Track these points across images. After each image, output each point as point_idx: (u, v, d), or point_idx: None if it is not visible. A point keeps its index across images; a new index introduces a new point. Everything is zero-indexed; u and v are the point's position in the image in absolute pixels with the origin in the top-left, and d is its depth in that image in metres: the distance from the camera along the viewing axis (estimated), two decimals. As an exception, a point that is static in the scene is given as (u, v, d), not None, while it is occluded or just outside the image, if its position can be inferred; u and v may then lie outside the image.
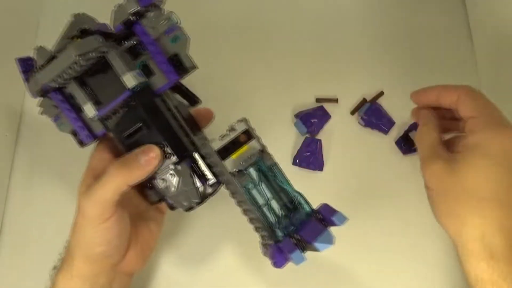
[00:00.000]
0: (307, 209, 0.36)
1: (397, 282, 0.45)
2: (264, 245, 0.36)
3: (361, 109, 0.51)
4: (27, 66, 0.37)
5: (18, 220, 0.51)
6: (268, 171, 0.36)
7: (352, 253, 0.46)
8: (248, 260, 0.47)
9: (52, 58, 0.34)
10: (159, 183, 0.36)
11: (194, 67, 0.36)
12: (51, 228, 0.50)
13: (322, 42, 0.55)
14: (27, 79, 0.36)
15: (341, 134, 0.51)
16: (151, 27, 0.35)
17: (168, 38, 0.35)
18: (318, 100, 0.52)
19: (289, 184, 0.37)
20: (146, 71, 0.36)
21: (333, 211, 0.35)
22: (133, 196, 0.39)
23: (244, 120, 0.36)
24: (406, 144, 0.49)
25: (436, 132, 0.36)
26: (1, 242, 0.51)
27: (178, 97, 0.40)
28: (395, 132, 0.51)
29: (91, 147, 0.39)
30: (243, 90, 0.54)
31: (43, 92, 0.37)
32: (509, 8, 0.46)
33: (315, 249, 0.33)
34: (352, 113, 0.52)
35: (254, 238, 0.36)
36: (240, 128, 0.36)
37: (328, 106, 0.51)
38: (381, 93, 0.52)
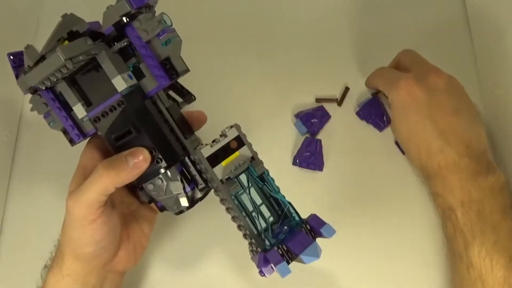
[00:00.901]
0: (296, 219, 0.36)
1: (395, 282, 0.45)
2: (252, 252, 0.36)
3: (360, 102, 0.51)
4: (18, 62, 0.36)
5: (18, 220, 0.51)
6: (259, 179, 0.36)
7: (351, 253, 0.46)
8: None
9: (40, 59, 0.33)
10: (148, 187, 0.36)
11: (186, 70, 0.35)
12: (51, 228, 0.50)
13: (322, 42, 0.55)
14: (17, 76, 0.36)
15: (341, 134, 0.51)
16: (142, 30, 0.34)
17: (160, 41, 0.34)
18: (318, 100, 0.52)
19: (279, 192, 0.36)
20: (137, 73, 0.35)
21: (321, 223, 0.35)
22: (125, 195, 0.39)
23: (236, 126, 0.35)
24: (406, 144, 0.49)
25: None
26: (1, 242, 0.51)
27: (172, 94, 0.40)
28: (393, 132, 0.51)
29: (84, 145, 0.39)
30: (243, 90, 0.54)
31: (34, 90, 0.36)
32: (509, 7, 0.46)
33: (301, 261, 0.33)
34: (339, 104, 0.52)
35: (244, 242, 0.36)
36: (232, 134, 0.35)
37: (328, 106, 0.51)
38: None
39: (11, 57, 0.36)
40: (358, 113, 0.51)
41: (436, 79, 0.42)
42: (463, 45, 0.53)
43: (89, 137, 0.39)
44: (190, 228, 0.49)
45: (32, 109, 0.38)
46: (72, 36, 0.33)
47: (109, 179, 0.33)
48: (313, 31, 0.56)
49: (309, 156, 0.49)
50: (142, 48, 0.34)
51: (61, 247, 0.37)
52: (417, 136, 0.42)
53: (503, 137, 0.48)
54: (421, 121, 0.41)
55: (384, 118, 0.50)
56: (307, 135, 0.50)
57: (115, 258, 0.38)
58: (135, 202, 0.40)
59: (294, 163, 0.49)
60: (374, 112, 0.50)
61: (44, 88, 0.34)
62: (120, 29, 0.34)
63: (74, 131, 0.37)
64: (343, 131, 0.51)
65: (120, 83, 0.34)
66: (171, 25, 0.35)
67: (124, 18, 0.34)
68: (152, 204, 0.41)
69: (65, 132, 0.38)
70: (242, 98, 0.53)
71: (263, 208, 0.36)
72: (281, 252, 0.33)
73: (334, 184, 0.49)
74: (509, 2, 0.46)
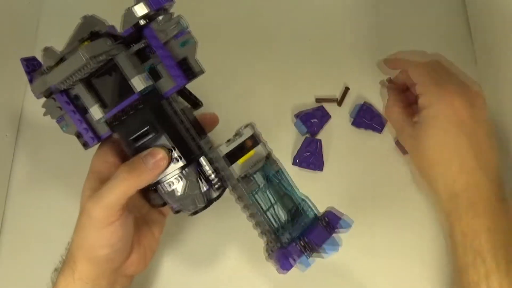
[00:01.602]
0: (313, 214, 0.36)
1: (396, 281, 0.45)
2: (269, 250, 0.36)
3: (352, 111, 0.51)
4: (31, 66, 0.36)
5: (18, 220, 0.52)
6: (274, 177, 0.36)
7: (352, 253, 0.46)
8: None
9: (61, 60, 0.34)
10: (165, 187, 0.36)
11: (202, 71, 0.36)
12: (51, 228, 0.50)
13: (322, 42, 0.55)
14: (31, 80, 0.36)
15: (341, 134, 0.51)
16: (160, 31, 0.34)
17: (178, 42, 0.35)
18: (318, 100, 0.52)
19: (295, 189, 0.37)
20: (154, 74, 0.36)
21: (339, 216, 0.35)
22: (135, 198, 0.39)
23: (251, 125, 0.36)
24: (406, 144, 0.49)
25: (399, 107, 0.45)
26: (1, 242, 0.51)
27: (181, 100, 0.40)
28: (393, 132, 0.50)
29: (93, 148, 0.39)
30: (243, 90, 0.54)
31: (48, 93, 0.36)
32: (509, 7, 0.46)
33: (322, 254, 0.34)
34: (339, 104, 0.52)
35: (257, 242, 0.36)
36: (247, 133, 0.36)
37: (328, 106, 0.51)
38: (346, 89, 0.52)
39: (25, 62, 0.36)
40: (353, 123, 0.51)
41: (481, 103, 0.41)
42: (463, 45, 0.53)
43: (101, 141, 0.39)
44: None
45: (45, 114, 0.38)
46: (94, 36, 0.33)
47: (131, 182, 0.34)
48: (313, 31, 0.56)
49: (309, 156, 0.49)
50: (160, 49, 0.35)
51: (73, 250, 0.37)
52: (452, 151, 0.39)
53: (503, 137, 0.48)
54: (459, 137, 0.39)
55: (382, 120, 0.50)
56: (307, 135, 0.50)
57: (126, 261, 0.38)
58: (146, 206, 0.40)
59: (294, 163, 0.49)
60: (368, 117, 0.50)
61: (62, 89, 0.34)
62: (139, 30, 0.35)
63: (88, 133, 0.37)
64: (343, 131, 0.51)
65: (139, 84, 0.34)
66: (188, 27, 0.35)
67: (142, 20, 0.34)
68: (162, 208, 0.42)
69: (79, 136, 0.38)
70: (242, 98, 0.53)
71: (279, 206, 0.36)
72: (299, 247, 0.34)
73: (334, 184, 0.49)
74: (509, 2, 0.45)
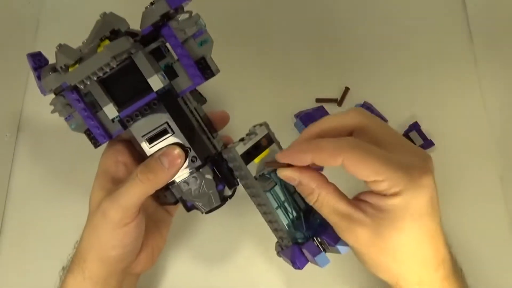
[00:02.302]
0: None
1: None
2: (282, 246, 0.36)
3: None
4: (37, 62, 0.36)
5: (18, 220, 0.51)
6: None
7: (351, 252, 0.46)
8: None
9: (80, 58, 0.33)
10: (182, 186, 0.36)
11: (218, 70, 0.36)
12: (51, 228, 0.50)
13: (322, 42, 0.55)
14: (39, 76, 0.35)
15: (341, 134, 0.51)
16: (180, 30, 0.34)
17: (196, 41, 0.35)
18: (318, 100, 0.52)
19: None
20: (170, 72, 0.36)
21: None
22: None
23: (265, 124, 0.36)
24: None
25: (335, 198, 0.32)
26: (1, 242, 0.51)
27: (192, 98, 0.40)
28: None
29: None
30: (243, 90, 0.54)
31: (58, 90, 0.36)
32: (509, 7, 0.46)
33: (337, 252, 0.34)
34: (339, 104, 0.52)
35: (264, 237, 0.36)
36: (261, 132, 0.36)
37: (328, 106, 0.51)
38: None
39: (31, 58, 0.35)
40: None
41: (432, 166, 0.31)
42: (463, 45, 0.53)
43: (109, 141, 0.38)
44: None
45: (53, 111, 0.37)
46: (114, 34, 0.33)
47: (149, 184, 0.34)
48: (313, 31, 0.56)
49: (309, 156, 0.49)
50: (178, 48, 0.34)
51: (83, 249, 0.36)
52: (427, 247, 0.31)
53: (503, 137, 0.48)
54: (434, 229, 0.31)
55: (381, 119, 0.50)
56: (307, 135, 0.50)
57: (135, 260, 0.38)
58: (153, 204, 0.40)
59: (294, 163, 0.49)
60: None
61: (82, 86, 0.33)
62: (157, 29, 0.34)
63: (99, 131, 0.36)
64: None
65: (156, 83, 0.34)
66: (205, 26, 0.35)
67: (161, 18, 0.34)
68: (168, 207, 0.41)
69: (89, 134, 0.37)
70: (242, 98, 0.53)
71: (293, 204, 0.36)
72: (316, 244, 0.34)
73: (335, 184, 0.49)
74: (509, 2, 0.46)
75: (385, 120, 0.50)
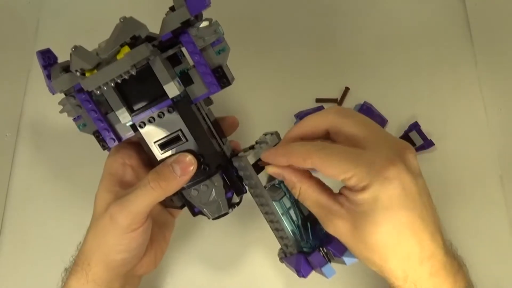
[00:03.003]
0: None
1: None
2: (286, 253, 0.36)
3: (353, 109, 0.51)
4: (47, 60, 0.35)
5: (18, 220, 0.51)
6: None
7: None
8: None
9: (98, 64, 0.32)
10: (192, 192, 0.36)
11: (233, 79, 0.36)
12: (51, 228, 0.50)
13: (323, 42, 0.55)
14: (49, 75, 0.35)
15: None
16: (199, 37, 0.34)
17: (214, 50, 0.35)
18: (318, 100, 0.52)
19: None
20: (185, 79, 0.35)
21: None
22: None
23: (276, 134, 0.36)
24: (406, 144, 0.49)
25: (317, 191, 0.33)
26: (1, 242, 0.51)
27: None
28: (393, 132, 0.50)
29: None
30: (243, 90, 0.54)
31: (69, 91, 0.35)
32: (509, 8, 0.46)
33: (342, 263, 0.34)
34: (339, 104, 0.52)
35: (269, 242, 0.36)
36: (273, 141, 0.36)
37: (328, 106, 0.51)
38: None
39: (41, 56, 0.35)
40: None
41: (413, 157, 0.32)
42: (463, 45, 0.53)
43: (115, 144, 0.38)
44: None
45: (62, 111, 0.37)
46: (135, 40, 0.33)
47: (161, 190, 0.33)
48: (313, 31, 0.56)
49: (309, 156, 0.49)
50: (196, 55, 0.34)
51: (87, 252, 0.36)
52: (407, 241, 0.31)
53: (503, 137, 0.48)
54: (413, 222, 0.31)
55: (382, 120, 0.50)
56: (307, 135, 0.50)
57: (139, 263, 0.38)
58: (157, 207, 0.40)
59: (294, 163, 0.49)
60: (369, 117, 0.50)
61: (98, 92, 0.33)
62: (175, 36, 0.34)
63: (109, 134, 0.36)
64: (343, 131, 0.51)
65: (173, 89, 0.33)
66: (223, 34, 0.35)
67: (181, 25, 0.33)
68: (171, 210, 0.41)
69: (97, 136, 0.37)
70: (242, 98, 0.53)
71: (300, 214, 0.36)
72: (323, 254, 0.34)
73: (335, 184, 0.49)
74: (509, 2, 0.46)
75: (385, 120, 0.50)
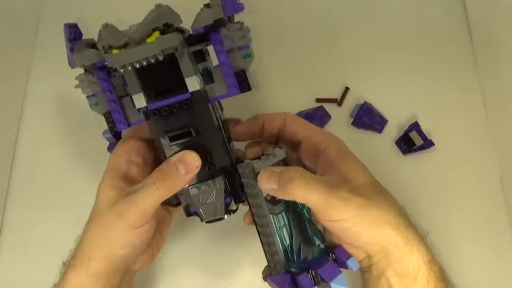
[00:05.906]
0: (323, 247, 0.36)
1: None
2: (271, 271, 0.36)
3: (352, 111, 0.51)
4: (73, 34, 0.35)
5: (18, 220, 0.52)
6: (297, 203, 0.36)
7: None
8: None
9: (126, 44, 0.32)
10: (191, 191, 0.35)
11: (254, 86, 0.36)
12: (51, 228, 0.50)
13: (323, 42, 0.55)
14: (72, 49, 0.35)
15: (342, 134, 0.51)
16: (228, 38, 0.34)
17: (241, 53, 0.35)
18: (318, 100, 0.52)
19: (312, 218, 0.37)
20: (207, 77, 0.35)
21: (348, 255, 0.35)
22: None
23: (285, 148, 0.36)
24: (406, 144, 0.49)
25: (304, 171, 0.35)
26: (1, 242, 0.51)
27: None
28: (393, 132, 0.51)
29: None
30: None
31: (89, 67, 0.35)
32: (509, 8, 0.46)
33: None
34: (339, 104, 0.52)
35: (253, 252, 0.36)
36: (280, 155, 0.36)
37: (328, 106, 0.51)
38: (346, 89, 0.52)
39: (68, 28, 0.35)
40: (353, 123, 0.51)
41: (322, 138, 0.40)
42: (463, 45, 0.53)
43: (119, 139, 0.38)
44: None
45: (77, 86, 0.36)
46: (167, 28, 0.32)
47: (166, 190, 0.34)
48: (313, 31, 0.56)
49: (309, 156, 0.49)
50: (223, 55, 0.34)
51: (88, 247, 0.36)
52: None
53: (503, 137, 0.48)
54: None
55: (382, 120, 0.50)
56: (307, 135, 0.50)
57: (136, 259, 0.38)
58: None
59: (294, 163, 0.49)
60: (369, 117, 0.50)
61: (121, 70, 0.32)
62: (206, 32, 0.34)
63: (120, 116, 0.36)
64: (343, 131, 0.51)
65: (193, 84, 0.34)
66: (251, 40, 0.35)
67: (213, 23, 0.34)
68: (168, 207, 0.41)
69: (108, 117, 0.37)
70: (242, 98, 0.53)
71: (294, 232, 0.36)
72: (311, 277, 0.34)
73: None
74: (509, 2, 0.46)
75: (385, 120, 0.50)
